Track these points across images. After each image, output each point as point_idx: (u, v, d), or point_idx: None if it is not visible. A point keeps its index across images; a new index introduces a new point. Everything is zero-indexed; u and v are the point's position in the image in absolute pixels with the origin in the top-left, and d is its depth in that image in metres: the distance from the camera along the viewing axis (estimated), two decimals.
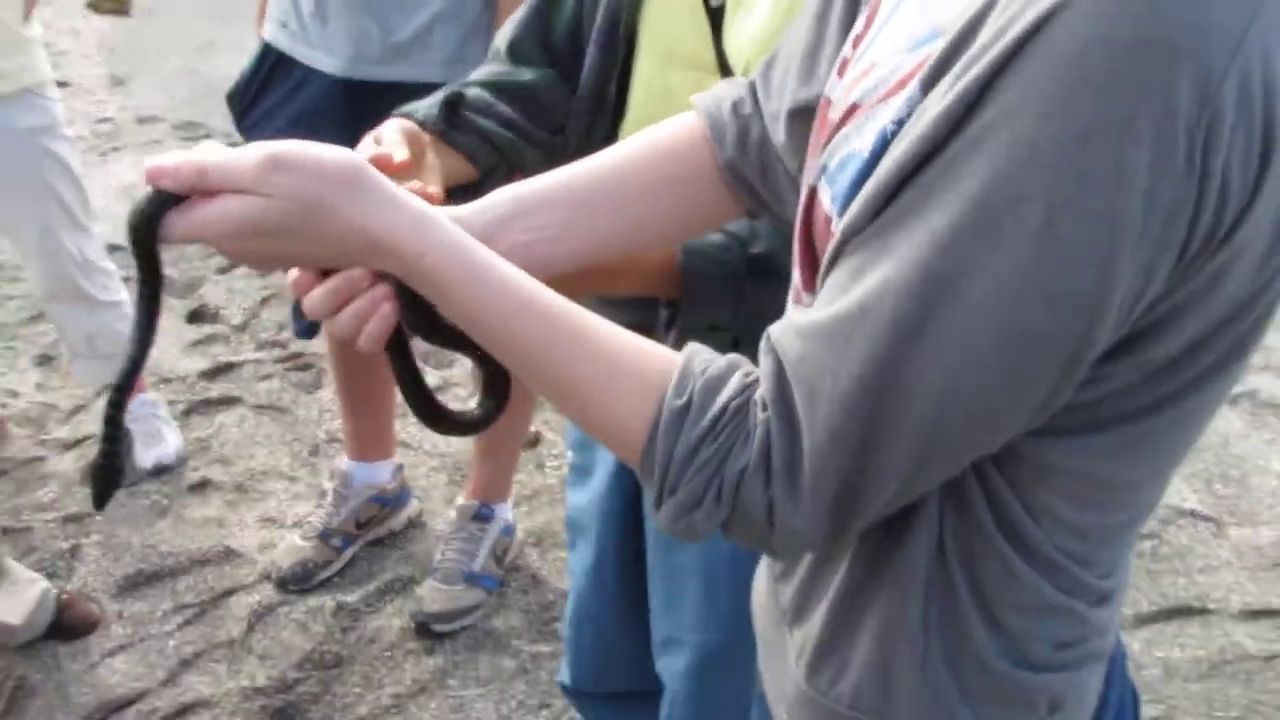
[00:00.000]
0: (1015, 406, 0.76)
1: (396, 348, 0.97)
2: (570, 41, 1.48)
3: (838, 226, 0.79)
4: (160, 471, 3.07)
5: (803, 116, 1.01)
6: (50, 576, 2.71)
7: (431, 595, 2.63)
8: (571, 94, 1.46)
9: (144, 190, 0.87)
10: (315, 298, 0.91)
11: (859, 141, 0.81)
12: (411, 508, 2.93)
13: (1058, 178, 0.68)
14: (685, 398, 0.82)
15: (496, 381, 1.01)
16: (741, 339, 1.28)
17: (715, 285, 1.30)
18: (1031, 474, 0.83)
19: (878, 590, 0.90)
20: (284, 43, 2.38)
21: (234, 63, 5.96)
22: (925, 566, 0.87)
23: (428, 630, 2.59)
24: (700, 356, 0.85)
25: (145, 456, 3.08)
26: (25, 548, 2.82)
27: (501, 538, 2.74)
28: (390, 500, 2.87)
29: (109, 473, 0.95)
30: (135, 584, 2.74)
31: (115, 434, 0.94)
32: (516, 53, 1.49)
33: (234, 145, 0.89)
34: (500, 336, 0.87)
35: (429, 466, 3.13)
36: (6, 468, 3.08)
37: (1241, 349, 0.79)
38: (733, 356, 0.86)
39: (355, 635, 2.59)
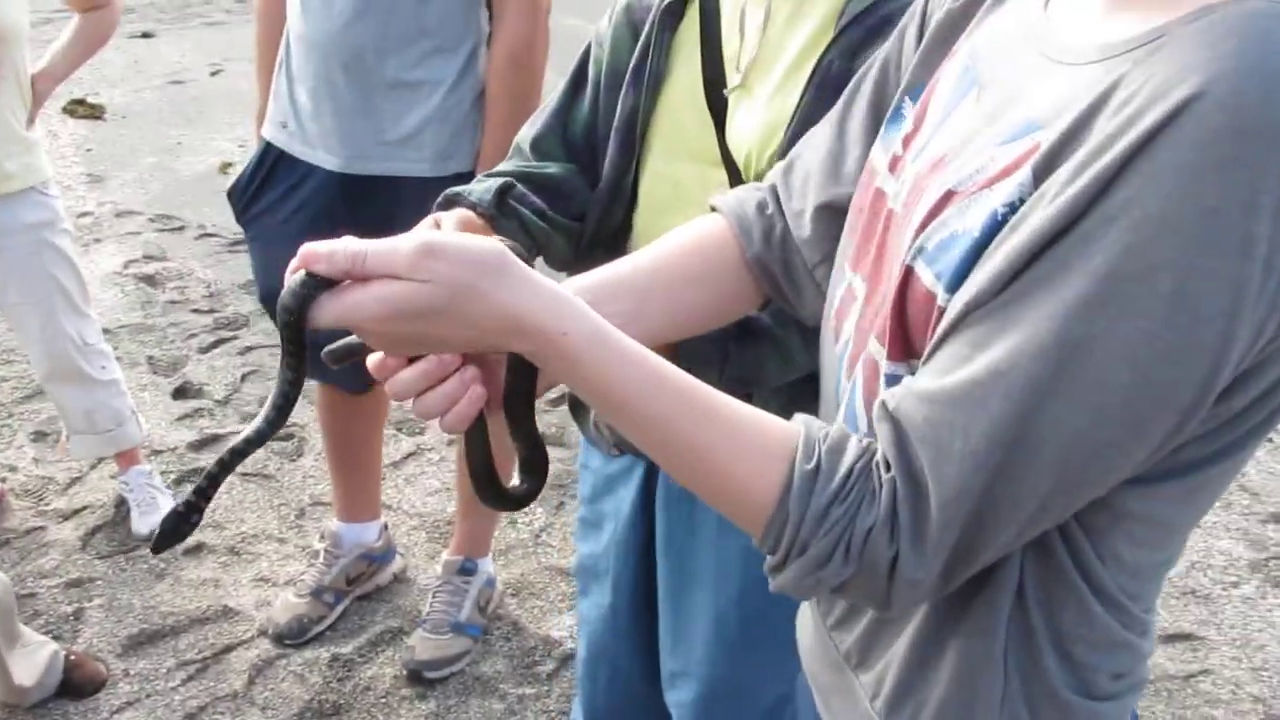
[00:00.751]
0: (1134, 454, 0.83)
1: (478, 428, 1.03)
2: (586, 139, 1.66)
3: (950, 300, 0.86)
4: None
5: (827, 213, 1.13)
6: (56, 639, 2.88)
7: (422, 644, 2.84)
8: (589, 186, 1.63)
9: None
10: (405, 379, 0.93)
11: (962, 223, 0.87)
12: (396, 564, 3.14)
13: (1188, 248, 0.75)
14: (814, 462, 0.88)
15: (537, 460, 1.08)
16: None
17: (704, 346, 1.41)
18: (1109, 519, 0.90)
19: (957, 633, 0.96)
20: (284, 142, 2.60)
21: (201, 160, 6.25)
22: (1008, 609, 0.93)
23: (419, 677, 2.80)
24: (816, 423, 0.91)
25: (142, 523, 3.26)
26: (31, 612, 2.98)
27: (484, 589, 2.95)
28: (377, 557, 3.08)
29: (182, 523, 0.98)
30: (139, 643, 2.92)
31: (208, 493, 0.99)
32: (540, 148, 1.65)
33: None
34: (634, 407, 0.91)
35: (410, 526, 3.35)
36: (8, 537, 3.26)
37: (1256, 437, 0.88)
38: (841, 425, 0.92)
39: (351, 684, 2.79)
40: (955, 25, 1.05)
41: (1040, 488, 0.82)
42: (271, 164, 2.63)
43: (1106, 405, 0.80)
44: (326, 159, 2.55)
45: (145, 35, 8.63)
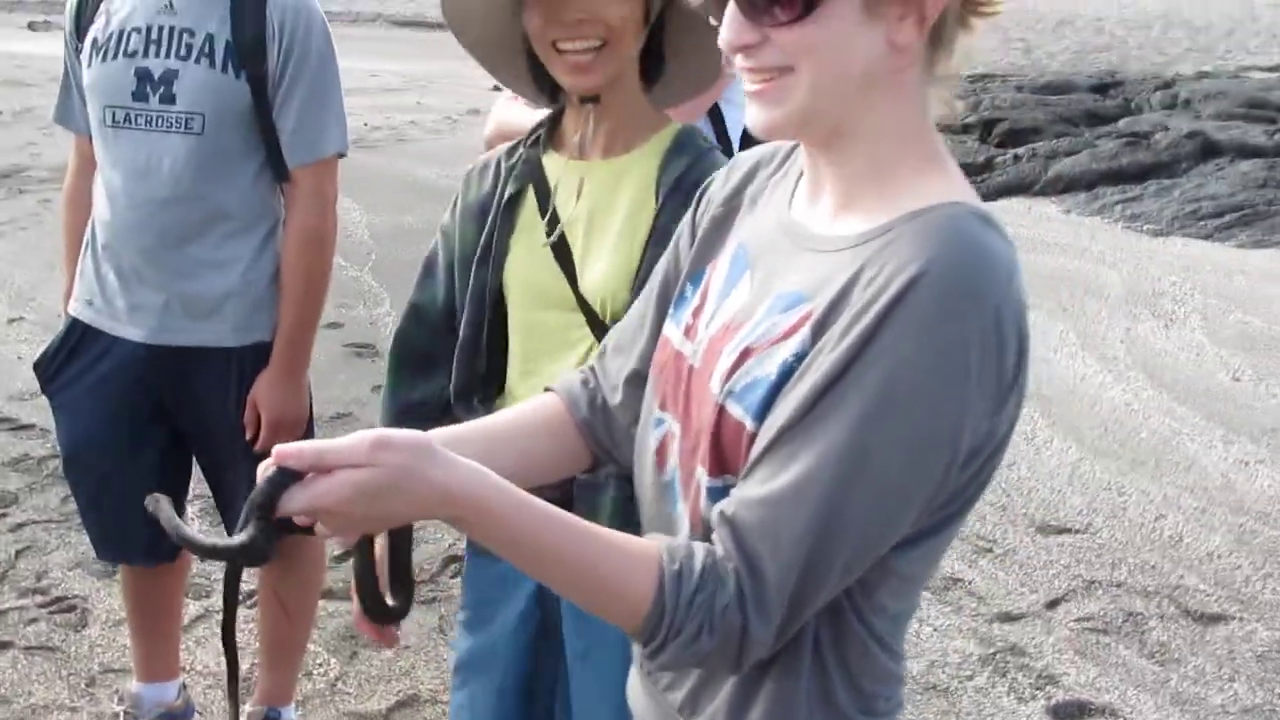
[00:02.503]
0: (906, 523, 1.14)
1: (365, 547, 1.32)
2: (445, 313, 2.05)
3: (758, 426, 1.16)
4: None
5: (634, 383, 1.43)
6: None
7: None
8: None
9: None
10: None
11: (761, 370, 1.18)
12: None
13: (930, 376, 1.08)
14: (677, 564, 1.15)
15: (407, 582, 1.36)
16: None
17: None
18: (879, 578, 1.18)
19: (770, 676, 1.23)
20: (89, 318, 2.75)
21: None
22: (809, 655, 1.21)
23: None
24: (667, 538, 1.20)
25: None
26: None
27: None
28: (177, 715, 3.15)
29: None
30: None
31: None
32: (407, 354, 2.11)
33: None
34: (531, 542, 1.17)
35: (205, 684, 3.42)
36: None
37: (976, 493, 1.19)
38: (684, 537, 1.24)
39: None
40: (721, 225, 1.40)
41: (845, 557, 1.13)
42: (78, 338, 2.78)
43: (887, 490, 1.12)
44: (133, 332, 2.71)
45: None
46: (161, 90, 2.58)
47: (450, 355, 2.02)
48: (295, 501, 1.11)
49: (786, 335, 1.18)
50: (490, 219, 1.98)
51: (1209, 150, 10.88)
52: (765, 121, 1.20)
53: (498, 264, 1.97)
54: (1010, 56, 19.95)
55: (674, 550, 1.17)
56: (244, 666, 3.46)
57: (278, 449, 1.12)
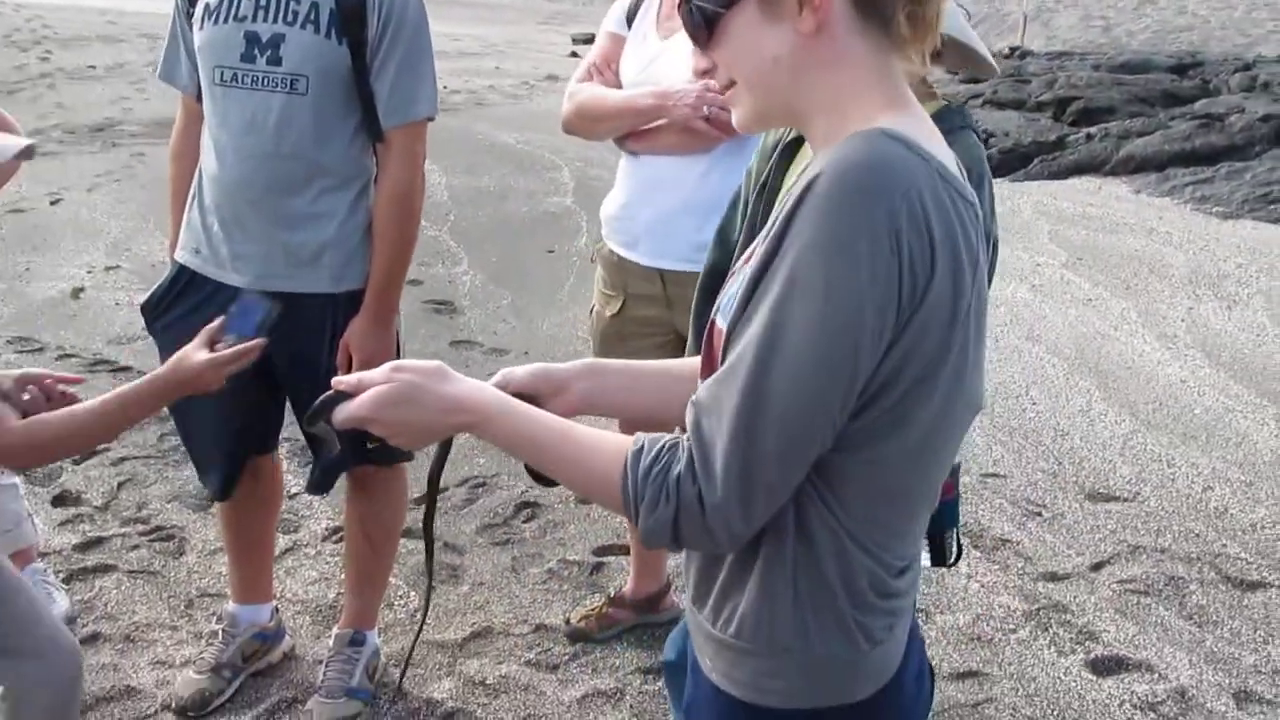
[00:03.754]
0: (832, 402, 1.28)
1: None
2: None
3: (729, 328, 1.35)
4: None
5: None
6: None
7: (319, 708, 3.18)
8: None
9: None
10: None
11: (736, 285, 1.39)
12: (286, 643, 3.47)
13: (828, 257, 1.24)
14: (639, 445, 1.39)
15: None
16: None
17: None
18: (838, 480, 1.36)
19: (755, 566, 1.42)
20: (197, 265, 2.98)
21: (52, 285, 6.47)
22: (790, 545, 1.39)
23: None
24: (641, 434, 1.42)
25: None
26: None
27: (372, 658, 3.31)
28: (270, 636, 3.41)
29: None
30: None
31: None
32: (709, 280, 2.51)
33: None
34: (528, 442, 1.47)
35: (294, 611, 3.68)
36: None
37: (906, 410, 1.32)
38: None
39: None
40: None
41: (782, 427, 1.29)
42: (185, 283, 3.02)
43: (804, 364, 1.27)
44: (236, 278, 2.94)
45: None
46: (269, 53, 2.80)
47: None
48: (341, 412, 1.51)
49: (751, 255, 1.40)
50: (771, 159, 2.30)
51: None
52: (736, 123, 1.47)
53: (771, 197, 2.26)
54: (1089, 35, 19.80)
55: (641, 438, 1.39)
56: (330, 595, 3.73)
57: (335, 380, 1.54)
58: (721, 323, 1.40)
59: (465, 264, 7.15)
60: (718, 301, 1.46)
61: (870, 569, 1.44)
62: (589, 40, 19.07)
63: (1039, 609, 3.79)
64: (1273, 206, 9.28)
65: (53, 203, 8.10)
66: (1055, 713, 3.32)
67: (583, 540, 4.15)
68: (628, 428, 3.56)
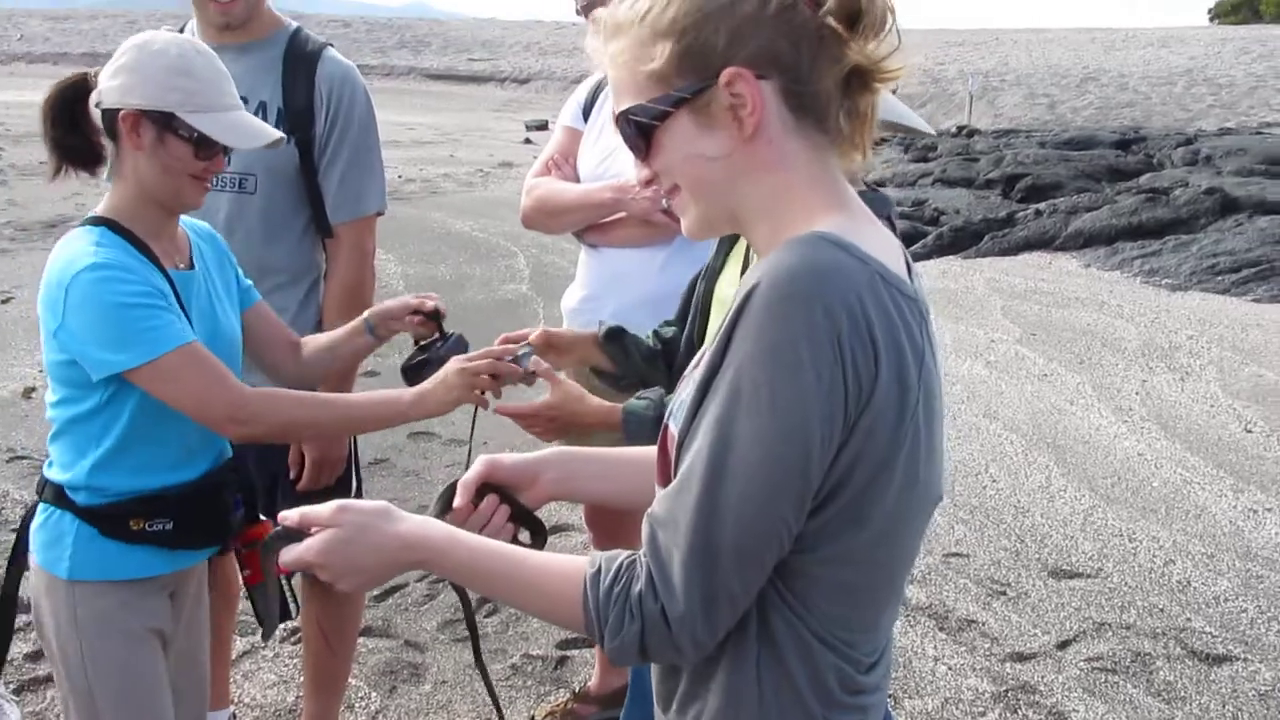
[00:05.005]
0: (784, 510, 1.27)
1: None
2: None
3: (680, 436, 1.35)
4: None
5: None
6: None
7: None
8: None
9: None
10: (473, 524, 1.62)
11: (685, 392, 1.38)
12: None
13: (769, 369, 1.23)
14: (596, 567, 1.37)
15: (538, 527, 1.69)
16: None
17: (646, 428, 2.17)
18: (800, 583, 1.34)
19: (719, 669, 1.39)
20: None
21: (3, 385, 6.28)
22: (753, 648, 1.37)
23: None
24: (596, 553, 1.40)
25: None
26: None
27: None
28: None
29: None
30: None
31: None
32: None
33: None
34: (484, 576, 1.44)
35: (253, 715, 3.60)
36: None
37: (861, 509, 1.31)
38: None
39: None
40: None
41: (731, 539, 1.28)
42: None
43: (754, 477, 1.26)
44: None
45: None
46: None
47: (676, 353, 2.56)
48: (288, 554, 1.48)
49: (698, 362, 1.40)
50: (719, 243, 2.48)
51: (1228, 206, 11.06)
52: (685, 231, 1.47)
53: (710, 278, 2.45)
54: (1034, 112, 20.20)
55: (597, 558, 1.38)
56: (290, 699, 3.66)
57: (281, 515, 1.49)
58: (674, 428, 1.40)
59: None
60: (670, 405, 1.46)
61: (837, 666, 1.42)
62: (543, 127, 19.35)
63: (1007, 690, 3.77)
64: (1220, 278, 9.43)
65: (3, 301, 8.02)
66: None
67: (545, 634, 4.10)
68: (593, 514, 3.55)
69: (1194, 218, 10.87)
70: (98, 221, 2.25)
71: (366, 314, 2.53)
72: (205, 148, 2.21)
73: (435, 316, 2.51)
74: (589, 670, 3.82)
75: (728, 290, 2.43)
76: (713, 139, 1.38)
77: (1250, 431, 6.15)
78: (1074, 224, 10.89)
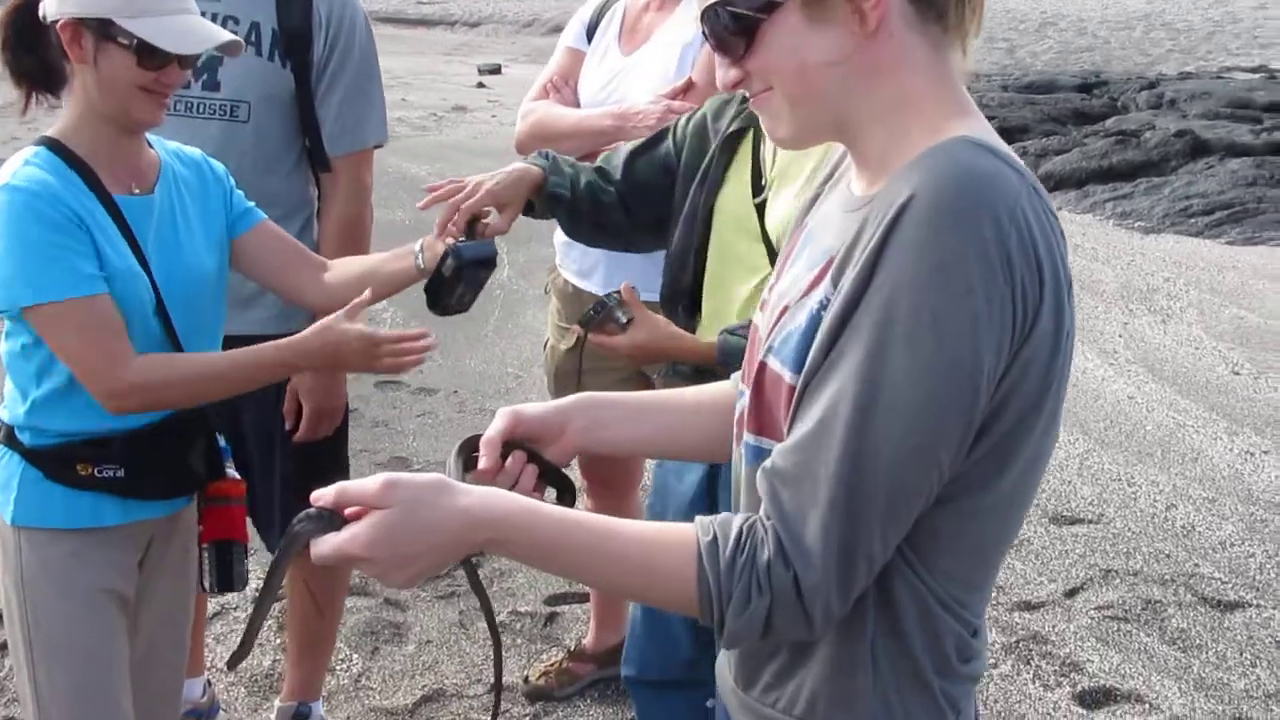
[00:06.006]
0: (938, 458, 1.10)
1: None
2: (644, 181, 2.41)
3: (795, 378, 1.17)
4: None
5: None
6: None
7: None
8: (622, 223, 2.43)
9: None
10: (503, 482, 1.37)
11: (794, 323, 1.20)
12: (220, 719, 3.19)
13: (931, 293, 1.07)
14: (711, 535, 1.17)
15: (566, 485, 1.47)
16: None
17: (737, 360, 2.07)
18: (929, 539, 1.17)
19: (824, 640, 1.22)
20: None
21: None
22: (870, 614, 1.20)
23: None
24: (703, 518, 1.20)
25: None
26: None
27: None
28: (203, 714, 3.13)
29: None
30: None
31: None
32: (610, 163, 2.44)
33: None
34: (564, 551, 1.21)
35: (228, 682, 3.39)
36: None
37: (1005, 454, 1.15)
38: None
39: None
40: (807, 209, 1.41)
41: (884, 490, 1.11)
42: None
43: (911, 418, 1.10)
44: None
45: None
46: (205, 76, 2.56)
47: (606, 212, 2.40)
48: (324, 549, 1.18)
49: (813, 286, 1.20)
50: (712, 149, 2.31)
51: (1198, 149, 10.93)
52: (776, 138, 1.29)
53: (711, 190, 2.30)
54: (994, 56, 20.05)
55: (707, 524, 1.19)
56: (266, 663, 3.45)
57: (314, 494, 1.19)
58: (779, 367, 1.21)
59: (384, 302, 6.88)
60: (762, 338, 1.27)
61: (956, 632, 1.25)
62: (495, 70, 18.97)
63: (1018, 641, 3.63)
64: (1193, 220, 9.33)
65: None
66: None
67: (533, 590, 3.91)
68: (591, 470, 3.33)
69: (1165, 160, 10.73)
70: (41, 141, 2.06)
71: (421, 240, 2.30)
72: (149, 56, 1.99)
73: (471, 224, 2.25)
74: (580, 627, 3.65)
75: (732, 206, 2.27)
76: (825, 35, 1.18)
77: (1238, 374, 6.04)
78: (1044, 166, 10.73)
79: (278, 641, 3.53)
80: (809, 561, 1.13)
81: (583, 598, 3.76)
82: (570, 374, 3.10)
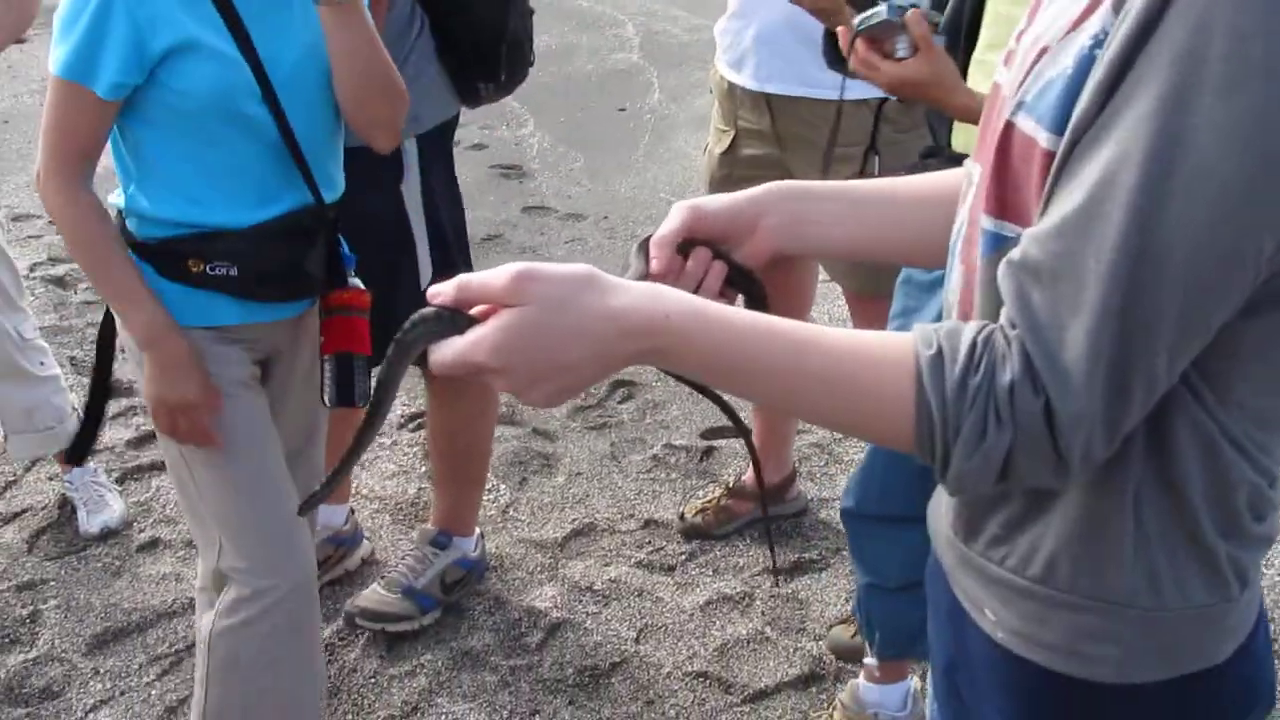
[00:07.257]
0: (1263, 242, 0.83)
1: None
2: None
3: (1056, 140, 0.88)
4: (107, 535, 3.13)
5: None
6: (13, 644, 2.77)
7: (368, 594, 2.81)
8: None
9: None
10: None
11: (1055, 68, 0.90)
12: (364, 548, 3.06)
13: (1260, 29, 0.78)
14: (934, 348, 0.89)
15: (758, 291, 1.19)
16: None
17: None
18: (1226, 364, 0.91)
19: (1075, 486, 0.97)
20: None
21: None
22: (1138, 455, 0.94)
23: (351, 621, 2.78)
24: (926, 325, 0.93)
25: (92, 522, 3.13)
26: None
27: (453, 567, 2.87)
28: (345, 541, 3.00)
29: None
30: (104, 641, 2.80)
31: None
32: None
33: None
34: (752, 364, 0.93)
35: (373, 509, 3.27)
36: None
37: None
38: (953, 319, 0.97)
39: (336, 667, 2.71)
40: None
41: (1175, 292, 0.83)
42: None
43: (1224, 189, 0.80)
44: None
45: (18, 41, 8.31)
46: None
47: None
48: (444, 355, 0.93)
49: (1085, 15, 0.89)
50: None
51: None
52: None
53: None
54: None
55: (929, 333, 0.91)
56: (411, 491, 3.33)
57: (431, 290, 0.95)
58: (1032, 127, 0.91)
59: (531, 125, 6.61)
60: (1007, 95, 0.96)
61: (1251, 481, 0.98)
62: None
63: None
64: None
65: None
66: None
67: (688, 422, 3.70)
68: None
69: None
70: None
71: None
72: None
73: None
74: (739, 462, 3.43)
75: None
76: None
77: None
78: None
79: (422, 469, 3.40)
80: (1068, 385, 0.85)
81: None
82: (721, 181, 2.83)
